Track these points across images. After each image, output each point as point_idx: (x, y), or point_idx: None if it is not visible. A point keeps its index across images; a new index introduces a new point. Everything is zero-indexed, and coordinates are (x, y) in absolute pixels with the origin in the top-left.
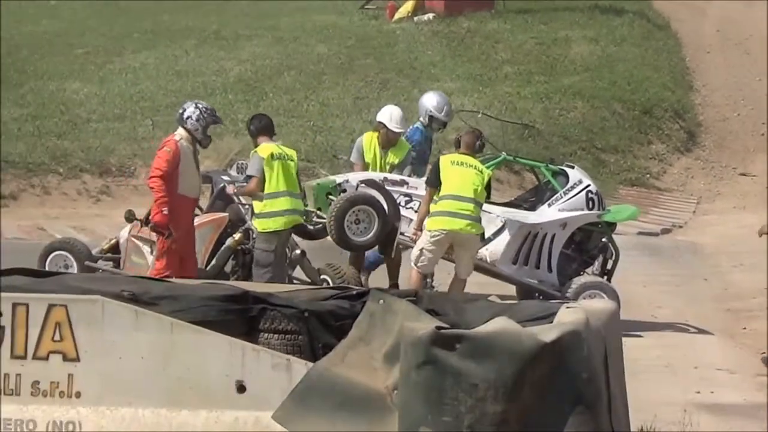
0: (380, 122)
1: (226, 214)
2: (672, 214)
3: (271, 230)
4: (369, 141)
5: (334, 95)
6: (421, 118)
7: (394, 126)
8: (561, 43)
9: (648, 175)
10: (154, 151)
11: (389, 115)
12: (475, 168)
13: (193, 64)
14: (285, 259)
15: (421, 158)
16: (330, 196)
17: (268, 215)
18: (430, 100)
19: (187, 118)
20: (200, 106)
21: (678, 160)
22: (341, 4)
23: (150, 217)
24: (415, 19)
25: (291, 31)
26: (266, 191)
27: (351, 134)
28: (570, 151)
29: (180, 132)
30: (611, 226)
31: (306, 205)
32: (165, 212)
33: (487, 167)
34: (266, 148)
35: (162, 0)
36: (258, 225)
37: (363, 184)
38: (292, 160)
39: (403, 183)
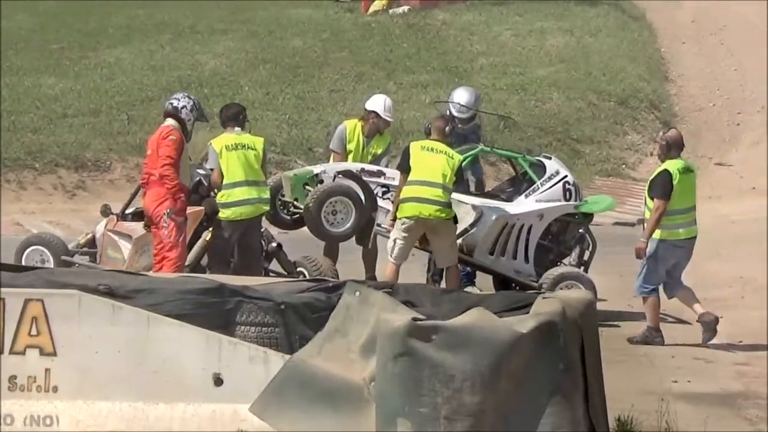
0: (371, 111)
1: (202, 207)
2: None
3: (228, 219)
4: (353, 129)
5: (310, 88)
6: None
7: (387, 115)
8: (536, 35)
9: (624, 166)
10: (130, 146)
11: (382, 103)
12: (445, 153)
13: (168, 59)
14: (253, 250)
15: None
16: (307, 187)
17: (224, 205)
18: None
19: (182, 108)
20: (193, 98)
21: (654, 150)
22: None
23: (155, 208)
24: (390, 11)
25: (266, 24)
26: (224, 182)
27: (326, 127)
28: (546, 142)
29: (172, 122)
30: (588, 217)
31: (283, 196)
32: (183, 199)
33: (464, 158)
34: (220, 139)
35: None
36: (219, 214)
37: (340, 175)
38: (253, 149)
39: (380, 174)
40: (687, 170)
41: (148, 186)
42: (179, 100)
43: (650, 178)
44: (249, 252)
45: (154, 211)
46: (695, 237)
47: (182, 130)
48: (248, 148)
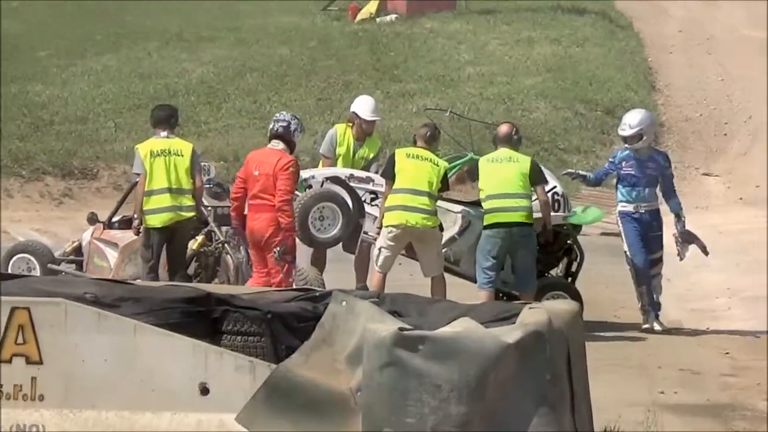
0: (353, 112)
1: None
2: None
3: (149, 227)
4: (342, 133)
5: (297, 96)
6: None
7: (368, 115)
8: (523, 44)
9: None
10: (117, 154)
11: (362, 104)
12: (430, 161)
13: (156, 67)
14: (179, 258)
15: None
16: (296, 192)
17: (146, 212)
18: None
19: (294, 130)
20: (297, 117)
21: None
22: (303, 6)
23: (269, 236)
24: (378, 20)
25: (253, 32)
26: (146, 188)
27: (313, 135)
28: (533, 151)
29: (283, 146)
30: (576, 228)
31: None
32: (293, 237)
33: (453, 167)
34: (146, 144)
35: (124, 1)
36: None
37: (328, 181)
38: (180, 155)
39: (369, 180)
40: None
41: (257, 208)
42: (289, 122)
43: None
44: (175, 260)
45: (267, 239)
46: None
47: (290, 152)
48: (175, 154)
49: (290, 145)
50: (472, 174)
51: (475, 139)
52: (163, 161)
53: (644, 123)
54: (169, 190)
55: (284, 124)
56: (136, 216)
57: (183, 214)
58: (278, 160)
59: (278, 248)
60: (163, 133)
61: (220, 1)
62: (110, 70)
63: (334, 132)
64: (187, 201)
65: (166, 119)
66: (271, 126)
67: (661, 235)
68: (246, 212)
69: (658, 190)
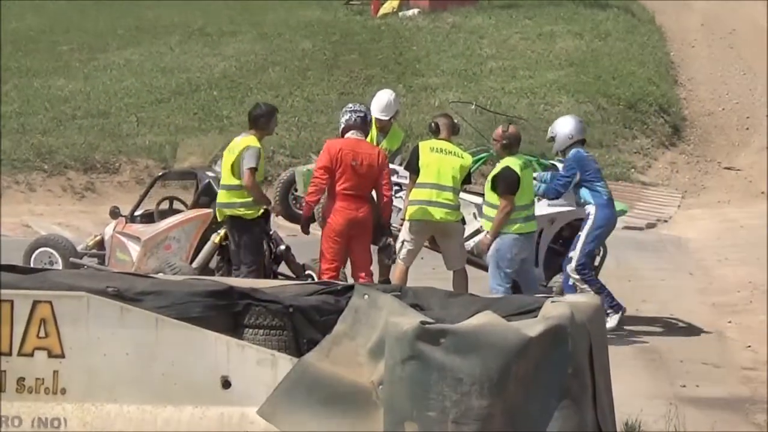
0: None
1: (210, 210)
2: (657, 209)
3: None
4: None
5: (319, 91)
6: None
7: (376, 112)
8: (546, 38)
9: (633, 170)
10: (139, 148)
11: (375, 100)
12: (455, 154)
13: (178, 61)
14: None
15: None
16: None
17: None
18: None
19: (369, 120)
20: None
21: (663, 154)
22: (326, 0)
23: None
24: (400, 14)
25: (275, 27)
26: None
27: (335, 130)
28: None
29: (363, 137)
30: None
31: (296, 191)
32: None
33: (476, 160)
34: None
35: None
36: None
37: None
38: (230, 152)
39: (393, 172)
40: (526, 166)
41: (359, 199)
42: (365, 112)
43: (492, 175)
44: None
45: (371, 229)
46: (535, 231)
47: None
48: (229, 151)
49: (367, 136)
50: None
51: None
52: (223, 158)
53: (553, 130)
54: (223, 186)
55: (362, 114)
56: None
57: (225, 211)
58: (378, 153)
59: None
60: (244, 133)
61: None
62: (132, 65)
63: None
64: (235, 198)
65: (252, 119)
66: (347, 117)
67: (577, 237)
68: (331, 202)
69: (587, 192)
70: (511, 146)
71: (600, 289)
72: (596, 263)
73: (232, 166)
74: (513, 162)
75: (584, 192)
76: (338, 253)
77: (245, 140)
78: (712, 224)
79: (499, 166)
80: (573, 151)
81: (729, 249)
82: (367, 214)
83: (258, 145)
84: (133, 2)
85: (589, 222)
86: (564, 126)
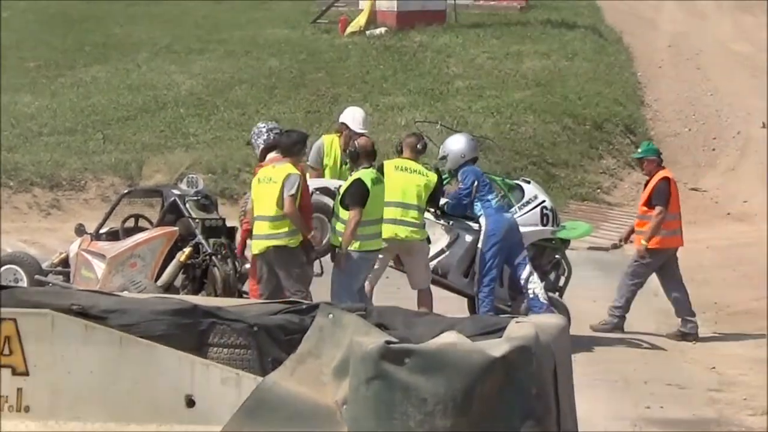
0: (343, 123)
1: (176, 228)
2: (622, 229)
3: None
4: (329, 144)
5: (286, 109)
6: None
7: (357, 127)
8: (513, 58)
9: (599, 190)
10: (105, 165)
11: (352, 116)
12: (419, 173)
13: (145, 78)
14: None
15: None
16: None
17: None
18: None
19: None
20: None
21: (629, 174)
22: (293, 18)
23: None
24: (367, 33)
25: (243, 44)
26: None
27: None
28: (521, 165)
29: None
30: (565, 242)
31: None
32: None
33: (442, 180)
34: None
35: (114, 13)
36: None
37: (317, 191)
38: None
39: None
40: (378, 181)
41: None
42: (278, 128)
43: (343, 188)
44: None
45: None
46: (379, 249)
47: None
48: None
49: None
50: None
51: None
52: (257, 189)
53: (445, 148)
54: (264, 218)
55: (278, 131)
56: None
57: (267, 242)
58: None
59: None
60: (276, 162)
61: (209, 14)
62: (99, 82)
63: (321, 143)
64: (280, 228)
65: (286, 147)
66: (266, 137)
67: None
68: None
69: (478, 204)
70: (358, 158)
71: (489, 311)
72: (560, 283)
73: (277, 196)
74: (365, 174)
75: (476, 205)
76: None
77: (284, 168)
78: None
79: (350, 179)
80: (466, 167)
81: (694, 270)
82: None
83: (298, 172)
84: (101, 19)
85: (482, 233)
86: (456, 144)
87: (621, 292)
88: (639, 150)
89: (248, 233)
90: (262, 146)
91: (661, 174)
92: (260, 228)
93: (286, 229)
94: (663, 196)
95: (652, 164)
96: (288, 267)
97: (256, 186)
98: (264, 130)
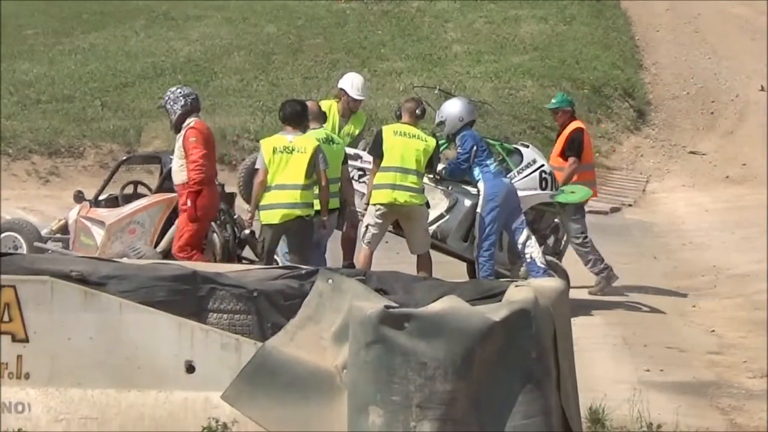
0: (341, 89)
1: (175, 194)
2: (621, 193)
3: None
4: (327, 109)
5: (284, 75)
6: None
7: (355, 93)
8: (510, 22)
9: (597, 154)
10: (103, 132)
11: (350, 82)
12: (418, 137)
13: (143, 45)
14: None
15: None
16: None
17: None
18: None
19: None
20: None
21: (627, 138)
22: None
23: None
24: None
25: (240, 11)
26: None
27: None
28: (519, 129)
29: None
30: (563, 206)
31: None
32: None
33: (441, 144)
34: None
35: None
36: None
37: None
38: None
39: (357, 157)
40: (328, 140)
41: None
42: (194, 93)
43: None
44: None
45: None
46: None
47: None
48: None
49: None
50: None
51: None
52: (287, 157)
53: (443, 113)
54: (294, 186)
55: (194, 96)
56: None
57: (299, 211)
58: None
59: None
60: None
61: None
62: (97, 49)
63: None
64: (311, 197)
65: (287, 116)
66: (182, 102)
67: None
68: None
69: (476, 169)
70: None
71: (490, 275)
72: (560, 247)
73: (306, 165)
74: (316, 134)
75: (474, 170)
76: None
77: (310, 140)
78: (677, 208)
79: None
80: (464, 132)
81: (693, 233)
82: None
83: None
84: None
85: (480, 198)
86: (453, 107)
87: (581, 256)
88: (553, 101)
89: None
90: (179, 112)
91: (574, 125)
92: (283, 197)
93: (310, 200)
94: (576, 146)
95: (566, 115)
96: (305, 239)
97: (271, 155)
98: (180, 95)
